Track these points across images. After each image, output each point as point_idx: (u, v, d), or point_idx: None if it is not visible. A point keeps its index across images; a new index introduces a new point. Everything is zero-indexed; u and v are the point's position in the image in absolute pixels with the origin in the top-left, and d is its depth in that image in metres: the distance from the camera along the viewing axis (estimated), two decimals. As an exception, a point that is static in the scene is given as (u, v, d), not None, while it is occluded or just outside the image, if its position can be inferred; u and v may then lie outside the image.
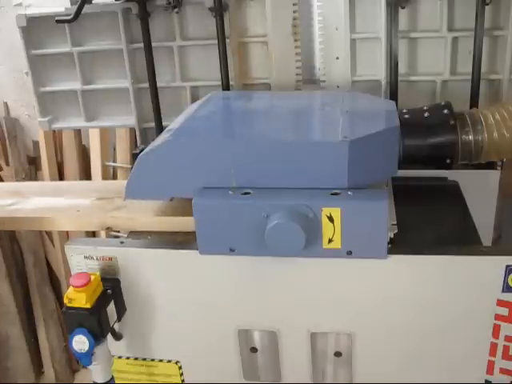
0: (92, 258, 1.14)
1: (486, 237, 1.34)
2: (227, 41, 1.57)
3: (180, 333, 1.19)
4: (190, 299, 1.15)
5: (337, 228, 1.00)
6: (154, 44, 1.60)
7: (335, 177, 1.03)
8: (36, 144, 2.72)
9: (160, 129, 1.65)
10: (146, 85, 1.64)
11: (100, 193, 1.37)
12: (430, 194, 1.37)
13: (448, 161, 1.22)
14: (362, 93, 1.42)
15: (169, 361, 1.23)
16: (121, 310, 1.15)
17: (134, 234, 1.25)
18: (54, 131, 2.57)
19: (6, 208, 1.35)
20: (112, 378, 1.15)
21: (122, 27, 1.61)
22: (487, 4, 1.39)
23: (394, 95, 1.51)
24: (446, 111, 1.23)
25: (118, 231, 2.25)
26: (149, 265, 1.14)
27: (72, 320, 1.07)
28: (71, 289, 1.07)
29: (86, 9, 1.51)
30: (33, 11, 1.64)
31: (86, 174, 2.66)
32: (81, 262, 1.15)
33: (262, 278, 1.10)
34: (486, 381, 1.10)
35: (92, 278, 1.08)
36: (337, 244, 1.02)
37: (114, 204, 1.28)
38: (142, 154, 1.13)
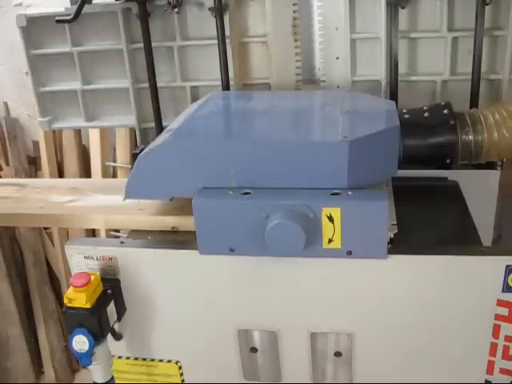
0: (92, 257, 1.14)
1: (486, 237, 1.33)
2: (227, 41, 1.57)
3: (180, 333, 1.19)
4: (189, 299, 1.15)
5: (337, 228, 1.00)
6: (153, 44, 1.60)
7: (335, 177, 1.03)
8: (36, 144, 2.72)
9: (160, 129, 1.65)
10: (146, 85, 1.64)
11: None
12: (429, 194, 1.37)
13: (448, 161, 1.22)
14: (361, 93, 1.42)
15: (169, 361, 1.23)
16: (121, 310, 1.15)
17: (134, 234, 1.25)
18: (54, 131, 2.58)
19: (66, 205, 1.33)
20: (112, 378, 1.15)
21: (122, 27, 1.61)
22: (487, 4, 1.39)
23: (393, 95, 1.51)
24: (446, 111, 1.23)
25: (118, 231, 2.26)
26: (149, 265, 1.14)
27: (72, 320, 1.07)
28: (71, 289, 1.07)
29: (86, 9, 1.50)
30: (33, 11, 1.64)
31: (86, 174, 2.67)
32: (81, 262, 1.15)
33: (262, 277, 1.10)
34: (485, 381, 1.10)
35: (92, 277, 1.08)
36: (337, 244, 1.01)
37: (174, 203, 1.23)
38: (141, 154, 1.13)
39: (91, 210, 1.30)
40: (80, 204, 1.34)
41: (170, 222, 1.21)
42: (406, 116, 1.24)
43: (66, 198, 1.36)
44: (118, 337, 1.18)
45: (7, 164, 2.69)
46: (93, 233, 2.58)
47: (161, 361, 1.23)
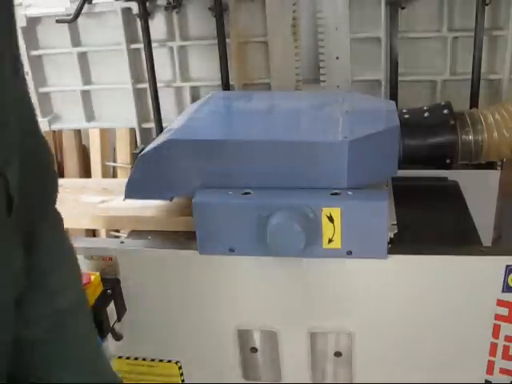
0: (92, 258, 1.14)
1: (486, 237, 1.33)
2: (227, 41, 1.57)
3: (180, 333, 1.19)
4: (189, 299, 1.15)
5: (337, 228, 1.00)
6: (153, 44, 1.60)
7: (335, 177, 1.03)
8: (36, 144, 2.71)
9: (160, 129, 1.65)
10: (146, 85, 1.64)
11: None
12: (429, 194, 1.37)
13: (448, 161, 1.22)
14: (361, 93, 1.42)
15: (169, 361, 1.23)
16: (121, 310, 1.15)
17: (134, 234, 1.25)
18: (54, 131, 2.57)
19: (99, 205, 1.29)
20: (112, 378, 1.15)
21: (122, 27, 1.61)
22: (487, 4, 1.39)
23: (393, 95, 1.52)
24: (446, 111, 1.23)
25: (118, 231, 2.26)
26: (149, 265, 1.14)
27: (72, 320, 1.07)
28: (71, 289, 1.06)
29: (86, 9, 1.51)
30: (33, 11, 1.64)
31: (86, 174, 2.66)
32: (81, 262, 1.14)
33: (261, 277, 1.10)
34: (485, 381, 1.10)
35: (92, 277, 1.08)
36: (337, 244, 1.02)
37: None
38: (141, 153, 1.13)
39: (125, 211, 1.26)
40: (113, 205, 1.30)
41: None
42: (406, 116, 1.24)
43: (97, 198, 1.33)
44: (118, 337, 1.18)
45: (7, 164, 2.69)
46: (93, 233, 2.58)
47: (161, 361, 1.23)
